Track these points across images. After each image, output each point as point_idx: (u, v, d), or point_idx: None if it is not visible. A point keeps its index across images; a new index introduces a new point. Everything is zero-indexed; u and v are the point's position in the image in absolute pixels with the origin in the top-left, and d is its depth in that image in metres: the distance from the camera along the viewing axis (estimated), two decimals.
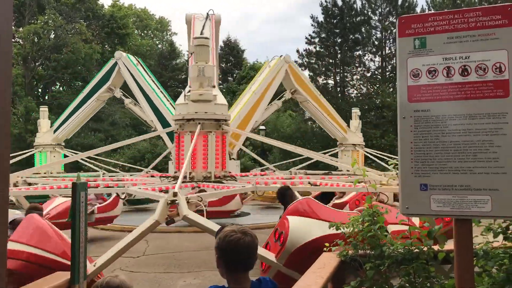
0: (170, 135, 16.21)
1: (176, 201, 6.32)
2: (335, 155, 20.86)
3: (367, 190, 4.60)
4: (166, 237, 12.61)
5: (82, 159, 17.19)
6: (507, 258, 3.46)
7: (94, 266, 5.22)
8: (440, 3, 32.96)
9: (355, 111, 22.51)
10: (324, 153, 19.79)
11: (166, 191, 8.24)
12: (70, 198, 5.09)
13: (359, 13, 36.69)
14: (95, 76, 19.79)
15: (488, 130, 2.54)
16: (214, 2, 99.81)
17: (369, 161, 22.08)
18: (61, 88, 41.68)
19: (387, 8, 36.10)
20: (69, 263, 4.30)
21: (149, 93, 16.93)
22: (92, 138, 35.23)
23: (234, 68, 51.52)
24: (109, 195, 13.24)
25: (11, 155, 14.86)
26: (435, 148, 2.64)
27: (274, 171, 15.79)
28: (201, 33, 13.41)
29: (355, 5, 36.91)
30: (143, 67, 18.21)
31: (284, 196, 7.06)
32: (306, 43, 37.83)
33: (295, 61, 31.33)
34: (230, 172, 11.25)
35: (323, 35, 37.15)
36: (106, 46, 43.37)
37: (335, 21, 36.93)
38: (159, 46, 57.24)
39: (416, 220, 4.62)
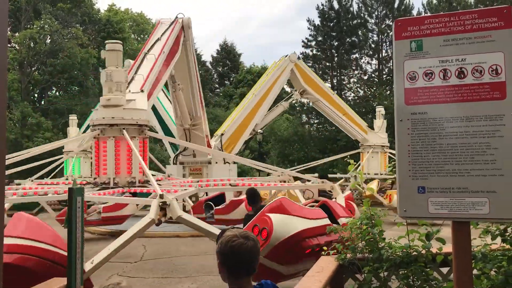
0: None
1: (168, 203, 6.73)
2: (357, 157, 20.21)
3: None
4: (164, 242, 12.57)
5: None
6: (506, 260, 3.46)
7: (92, 263, 5.33)
8: (436, 6, 33.09)
9: (379, 110, 21.63)
10: (343, 157, 19.04)
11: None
12: None
13: (355, 16, 36.79)
14: None
15: (485, 132, 2.54)
16: (210, 7, 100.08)
17: (393, 162, 21.69)
18: (57, 93, 41.59)
19: (384, 11, 36.21)
20: (65, 253, 4.33)
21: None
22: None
23: (231, 72, 51.50)
24: None
25: (41, 161, 15.59)
26: (432, 150, 2.63)
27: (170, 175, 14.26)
28: (159, 38, 13.65)
29: (351, 8, 37.04)
30: None
31: (255, 196, 7.62)
32: (303, 46, 37.91)
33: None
34: (169, 176, 11.41)
35: (319, 39, 37.23)
36: (102, 50, 43.21)
37: (331, 24, 37.01)
38: None
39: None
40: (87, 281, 4.94)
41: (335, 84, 38.10)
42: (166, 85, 15.88)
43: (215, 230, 6.68)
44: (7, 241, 4.49)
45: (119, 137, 9.68)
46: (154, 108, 16.99)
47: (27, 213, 5.67)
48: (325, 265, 4.11)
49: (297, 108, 37.05)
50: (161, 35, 14.03)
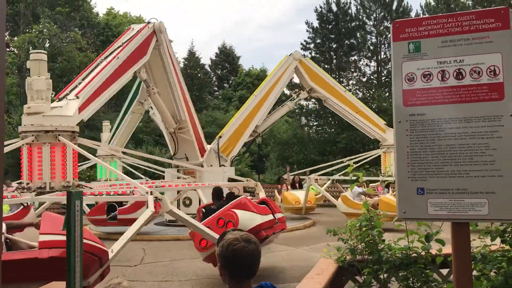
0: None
1: (159, 199, 7.64)
2: (378, 158, 19.67)
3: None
4: (164, 245, 12.55)
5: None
6: (505, 261, 3.46)
7: (112, 252, 6.05)
8: (434, 8, 33.14)
9: None
10: (363, 158, 18.95)
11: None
12: None
13: (354, 18, 36.82)
14: (130, 92, 20.97)
15: (483, 133, 2.54)
16: (208, 10, 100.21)
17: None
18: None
19: (382, 13, 36.25)
20: (94, 244, 5.47)
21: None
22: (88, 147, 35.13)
23: (230, 75, 51.54)
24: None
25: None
26: (431, 152, 2.63)
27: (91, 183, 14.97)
28: (121, 44, 13.69)
29: (349, 11, 37.07)
30: None
31: (220, 193, 9.34)
32: (301, 48, 37.88)
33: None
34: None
35: (318, 41, 37.26)
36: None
37: (330, 26, 37.04)
38: None
39: None
40: (107, 269, 5.91)
41: None
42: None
43: (200, 224, 7.87)
44: (49, 238, 5.20)
45: (54, 143, 10.00)
46: None
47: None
48: (325, 267, 4.11)
49: (297, 111, 37.06)
50: (125, 41, 14.05)
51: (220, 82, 52.34)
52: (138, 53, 13.83)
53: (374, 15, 36.63)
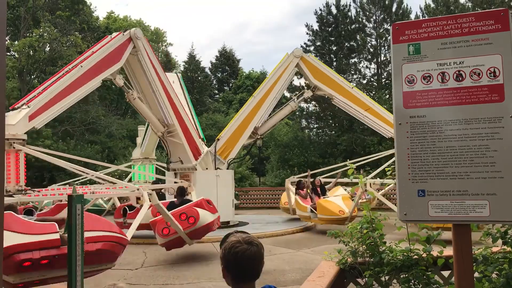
0: None
1: (150, 193, 9.63)
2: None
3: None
4: (165, 248, 12.54)
5: None
6: (507, 263, 3.45)
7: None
8: (434, 10, 33.17)
9: None
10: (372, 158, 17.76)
11: None
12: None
13: (353, 20, 36.86)
14: None
15: (484, 135, 2.54)
16: (209, 13, 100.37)
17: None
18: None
19: (382, 16, 36.28)
20: (119, 235, 7.43)
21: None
22: (89, 150, 35.18)
23: (230, 78, 51.59)
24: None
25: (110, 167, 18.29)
26: (431, 153, 2.63)
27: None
28: (93, 52, 14.20)
29: (349, 13, 37.11)
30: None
31: (183, 192, 11.70)
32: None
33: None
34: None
35: (318, 43, 37.30)
36: None
37: (330, 29, 37.09)
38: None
39: None
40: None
41: None
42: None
43: (171, 217, 9.94)
44: (91, 234, 6.80)
45: (8, 150, 10.60)
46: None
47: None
48: (326, 270, 4.11)
49: (297, 113, 37.07)
50: (95, 50, 14.49)
51: (220, 85, 52.40)
52: (109, 60, 14.28)
53: (374, 17, 36.66)
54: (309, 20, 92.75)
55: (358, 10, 36.93)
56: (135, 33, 15.21)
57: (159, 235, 10.26)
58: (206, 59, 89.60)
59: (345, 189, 17.18)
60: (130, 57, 15.32)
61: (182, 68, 51.67)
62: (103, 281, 8.99)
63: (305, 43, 37.79)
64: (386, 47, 35.54)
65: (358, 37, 36.33)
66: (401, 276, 3.82)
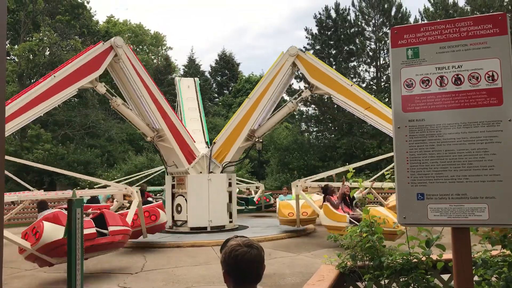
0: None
1: (137, 191, 12.07)
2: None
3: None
4: (164, 252, 12.54)
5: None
6: (506, 266, 3.45)
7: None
8: (433, 13, 33.23)
9: None
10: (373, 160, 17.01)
11: None
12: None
13: (353, 24, 36.94)
14: None
15: (482, 138, 2.54)
16: (208, 18, 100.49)
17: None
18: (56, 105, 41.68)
19: (381, 19, 36.35)
20: (129, 229, 10.89)
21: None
22: (89, 154, 35.17)
23: (230, 81, 51.67)
24: None
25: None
26: (430, 157, 2.64)
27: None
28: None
29: (349, 17, 37.19)
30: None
31: (143, 192, 14.60)
32: None
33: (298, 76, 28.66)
34: None
35: (317, 47, 37.36)
36: None
37: (329, 33, 37.17)
38: (155, 61, 57.46)
39: None
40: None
41: None
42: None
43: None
44: (114, 228, 10.31)
45: None
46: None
47: None
48: (326, 274, 4.10)
49: (296, 117, 37.09)
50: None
51: (220, 88, 52.47)
52: (86, 68, 14.73)
53: (373, 21, 36.74)
54: (308, 24, 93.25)
55: (357, 13, 37.02)
56: (115, 41, 15.53)
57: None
58: (206, 63, 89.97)
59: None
60: (115, 65, 15.76)
61: (182, 72, 51.71)
62: (103, 285, 8.99)
63: (304, 47, 37.82)
64: (385, 50, 35.61)
65: (357, 40, 36.40)
66: (401, 280, 3.82)
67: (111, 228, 10.20)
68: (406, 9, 36.52)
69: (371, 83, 37.05)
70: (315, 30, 37.69)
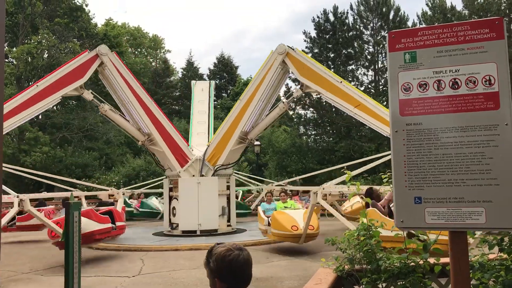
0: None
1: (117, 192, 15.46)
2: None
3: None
4: (162, 255, 12.51)
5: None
6: (504, 270, 3.45)
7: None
8: (431, 17, 33.34)
9: None
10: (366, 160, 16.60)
11: None
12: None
13: (351, 28, 37.04)
14: None
15: (480, 142, 2.55)
16: (207, 21, 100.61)
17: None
18: (54, 107, 41.65)
19: (379, 23, 36.47)
20: (125, 224, 14.47)
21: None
22: (87, 157, 35.12)
23: (228, 84, 51.71)
24: None
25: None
26: (428, 161, 2.64)
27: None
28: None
29: (347, 21, 37.30)
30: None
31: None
32: None
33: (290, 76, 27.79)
34: None
35: (316, 50, 37.45)
36: None
37: (327, 36, 37.26)
38: (153, 64, 57.50)
39: None
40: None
41: None
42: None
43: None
44: (120, 223, 13.58)
45: None
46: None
47: None
48: (324, 277, 4.10)
49: (295, 120, 37.13)
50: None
51: (218, 91, 52.50)
52: (70, 77, 15.23)
53: (371, 25, 36.85)
54: (306, 27, 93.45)
55: (355, 17, 37.15)
56: (99, 49, 16.00)
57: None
58: (205, 66, 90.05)
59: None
60: (104, 72, 16.25)
61: (180, 75, 51.73)
62: None
63: (303, 50, 37.85)
64: (384, 54, 35.70)
65: (355, 44, 36.50)
66: (398, 283, 3.82)
67: (118, 223, 13.44)
68: (404, 12, 36.68)
69: (369, 86, 37.14)
70: (313, 33, 37.82)
